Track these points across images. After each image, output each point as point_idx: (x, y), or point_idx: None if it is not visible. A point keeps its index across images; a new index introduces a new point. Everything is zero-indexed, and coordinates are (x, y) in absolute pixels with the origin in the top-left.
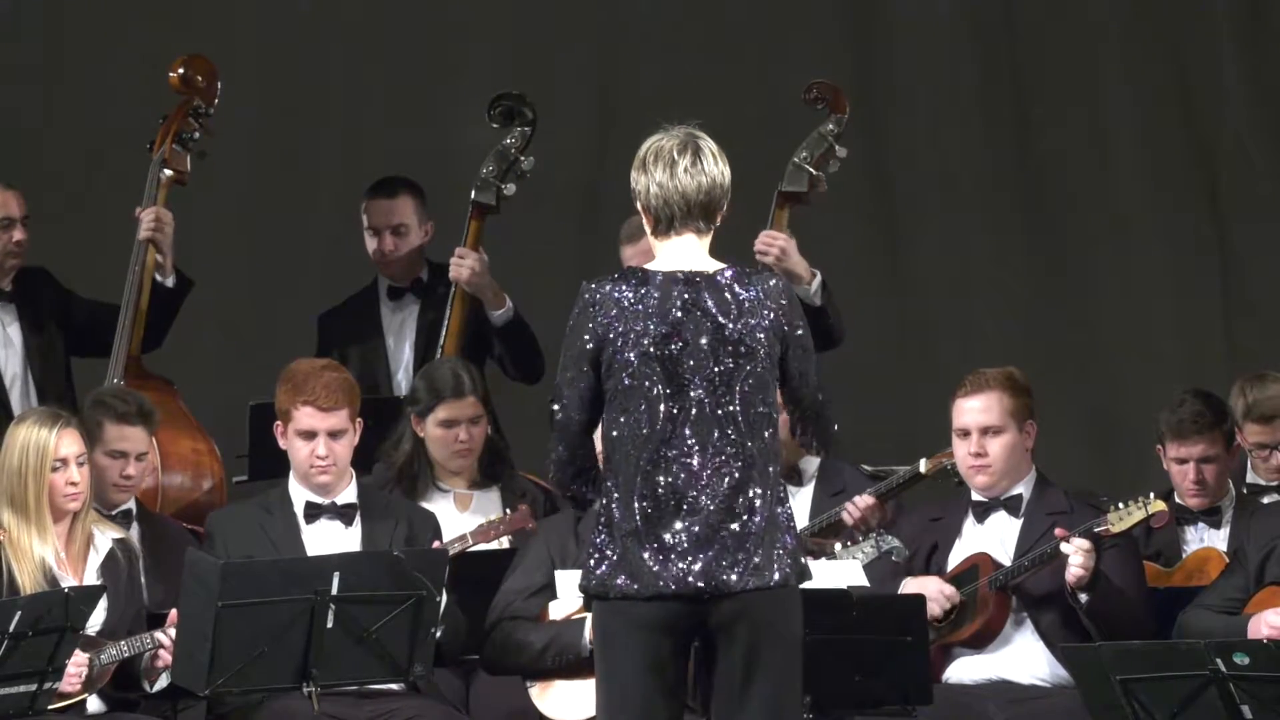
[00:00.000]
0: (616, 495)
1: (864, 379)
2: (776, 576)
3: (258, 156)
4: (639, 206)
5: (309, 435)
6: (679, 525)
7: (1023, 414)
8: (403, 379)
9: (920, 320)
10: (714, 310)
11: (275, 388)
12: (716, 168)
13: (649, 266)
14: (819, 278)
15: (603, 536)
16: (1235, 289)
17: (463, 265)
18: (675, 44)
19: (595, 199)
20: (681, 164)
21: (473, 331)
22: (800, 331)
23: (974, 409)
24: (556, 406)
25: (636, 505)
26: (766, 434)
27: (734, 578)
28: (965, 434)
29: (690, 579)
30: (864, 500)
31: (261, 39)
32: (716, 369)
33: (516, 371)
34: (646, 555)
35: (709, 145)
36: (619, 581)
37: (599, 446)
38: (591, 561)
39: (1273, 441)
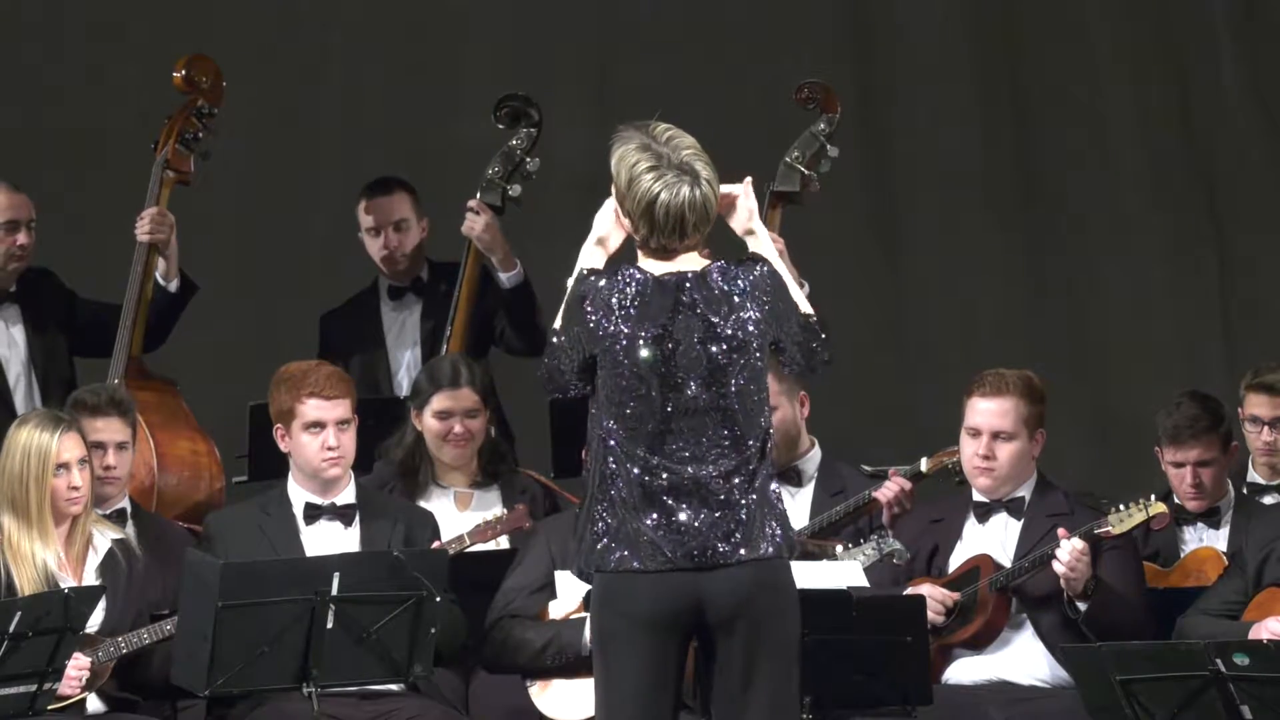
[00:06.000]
0: (616, 474)
1: (864, 379)
2: (770, 549)
3: (258, 156)
4: (635, 230)
5: (317, 427)
6: (675, 503)
7: (1035, 422)
8: (404, 379)
9: (920, 320)
10: (705, 309)
11: (270, 394)
12: (713, 196)
13: (644, 266)
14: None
15: (602, 517)
16: (1234, 289)
17: (476, 221)
18: (675, 44)
19: (594, 199)
20: (691, 222)
21: (477, 324)
22: (790, 314)
23: (989, 410)
24: (549, 360)
25: (634, 486)
26: (762, 420)
27: (727, 548)
28: (976, 433)
29: (683, 551)
30: (901, 482)
31: (261, 39)
32: (710, 365)
33: (519, 341)
34: (643, 529)
35: (705, 176)
36: (615, 556)
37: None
38: (589, 538)
39: (1269, 417)
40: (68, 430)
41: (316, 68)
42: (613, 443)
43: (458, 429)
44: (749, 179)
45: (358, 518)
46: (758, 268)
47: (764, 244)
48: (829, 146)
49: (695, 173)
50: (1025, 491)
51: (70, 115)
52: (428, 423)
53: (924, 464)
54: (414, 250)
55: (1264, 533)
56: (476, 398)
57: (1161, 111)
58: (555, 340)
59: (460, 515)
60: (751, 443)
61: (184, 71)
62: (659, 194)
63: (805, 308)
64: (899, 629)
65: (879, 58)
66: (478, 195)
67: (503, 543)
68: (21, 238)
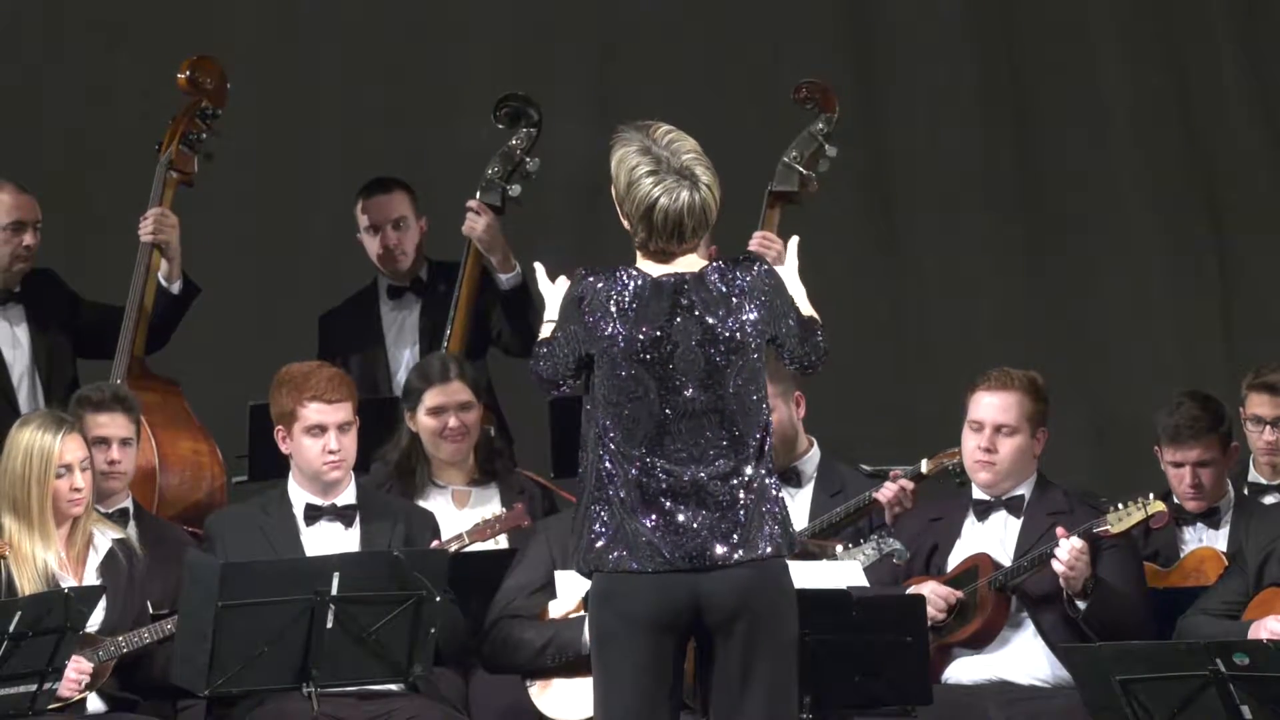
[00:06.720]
0: (613, 474)
1: (863, 379)
2: (768, 549)
3: (258, 156)
4: (634, 232)
5: (319, 431)
6: (674, 505)
7: (1038, 420)
8: (403, 379)
9: (919, 320)
10: (703, 311)
11: (271, 395)
12: (712, 200)
13: (641, 267)
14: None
15: (601, 516)
16: (1234, 289)
17: (477, 221)
18: (675, 44)
19: (594, 199)
20: (690, 226)
21: (476, 323)
22: (788, 312)
23: (993, 404)
24: (545, 350)
25: (632, 487)
26: (760, 419)
27: (725, 549)
28: (979, 427)
29: (681, 553)
30: (902, 483)
31: (261, 39)
32: (708, 367)
33: (515, 343)
34: (641, 530)
35: (705, 180)
36: (613, 556)
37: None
38: (589, 538)
39: (1270, 417)
40: (70, 432)
41: (316, 68)
42: (610, 443)
43: (452, 423)
44: (795, 240)
45: (358, 518)
46: (755, 267)
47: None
48: (827, 146)
49: (695, 177)
50: (1025, 490)
51: (70, 115)
52: (422, 421)
53: (924, 465)
54: (415, 248)
55: (1264, 532)
56: (468, 391)
57: (1161, 111)
58: (548, 337)
59: (459, 513)
60: (750, 443)
61: (188, 73)
62: (658, 198)
63: (806, 310)
64: (899, 629)
65: (879, 58)
66: (477, 195)
67: (502, 542)
68: (28, 238)
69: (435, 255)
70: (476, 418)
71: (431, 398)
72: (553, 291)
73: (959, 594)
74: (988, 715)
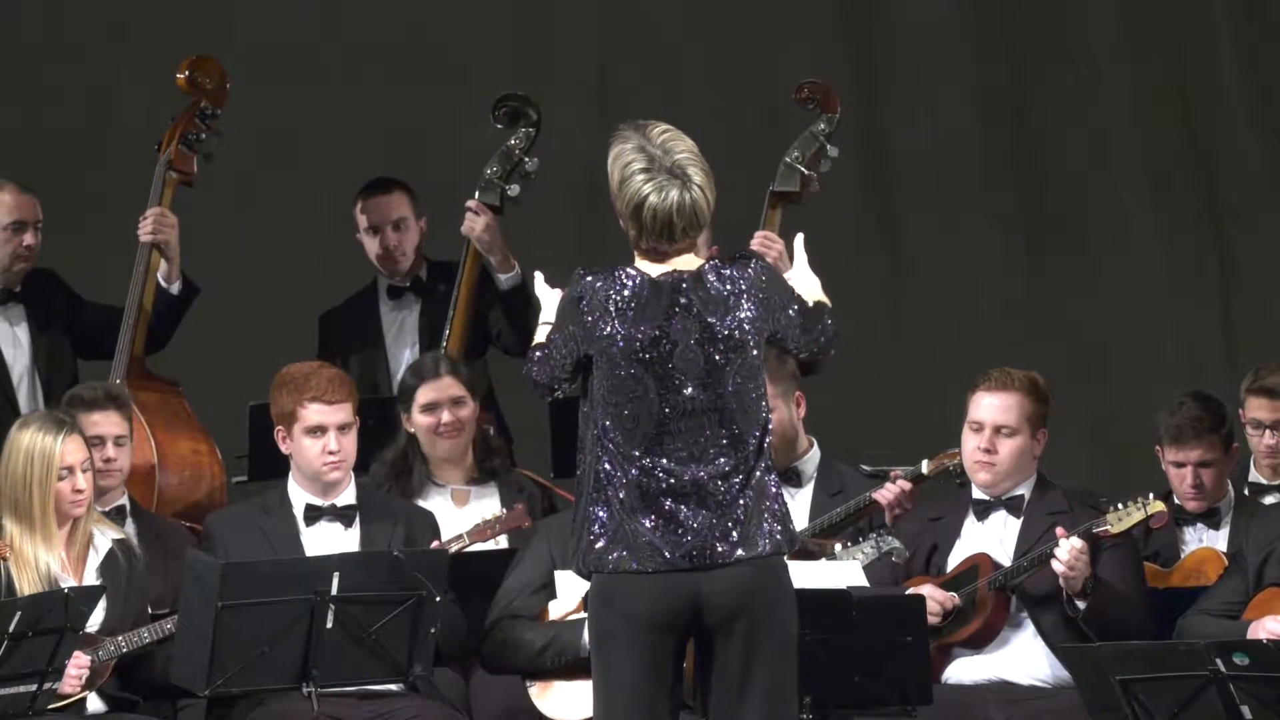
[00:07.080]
0: (613, 475)
1: (864, 379)
2: (768, 546)
3: (258, 156)
4: (627, 230)
5: (319, 432)
6: (674, 505)
7: (1038, 421)
8: None
9: (920, 320)
10: (701, 310)
11: (271, 395)
12: (704, 201)
13: (641, 266)
14: None
15: (600, 517)
16: (1234, 288)
17: (476, 221)
18: (675, 44)
19: (594, 199)
20: (679, 226)
21: (476, 323)
22: (786, 305)
23: (993, 405)
24: (540, 354)
25: (632, 487)
26: (760, 416)
27: (724, 548)
28: (979, 428)
29: (681, 552)
30: (902, 484)
31: (261, 39)
32: (707, 366)
33: (514, 341)
34: (641, 530)
35: (697, 180)
36: (613, 556)
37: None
38: (588, 539)
39: (1270, 420)
40: (70, 433)
41: (316, 68)
42: (609, 444)
43: (446, 418)
44: (801, 237)
45: (358, 519)
46: (752, 264)
47: (806, 285)
48: (829, 146)
49: (687, 176)
50: (1025, 490)
51: (70, 115)
52: (418, 420)
53: (925, 466)
54: (413, 250)
55: (1264, 533)
56: (460, 386)
57: (1161, 111)
58: (545, 339)
59: (458, 512)
60: (750, 441)
61: (188, 73)
62: (648, 196)
63: (810, 297)
64: (899, 629)
65: (879, 58)
66: (476, 195)
67: (502, 542)
68: (28, 238)
69: (435, 255)
70: (471, 414)
71: (424, 394)
72: (550, 298)
73: (955, 599)
74: (988, 715)
